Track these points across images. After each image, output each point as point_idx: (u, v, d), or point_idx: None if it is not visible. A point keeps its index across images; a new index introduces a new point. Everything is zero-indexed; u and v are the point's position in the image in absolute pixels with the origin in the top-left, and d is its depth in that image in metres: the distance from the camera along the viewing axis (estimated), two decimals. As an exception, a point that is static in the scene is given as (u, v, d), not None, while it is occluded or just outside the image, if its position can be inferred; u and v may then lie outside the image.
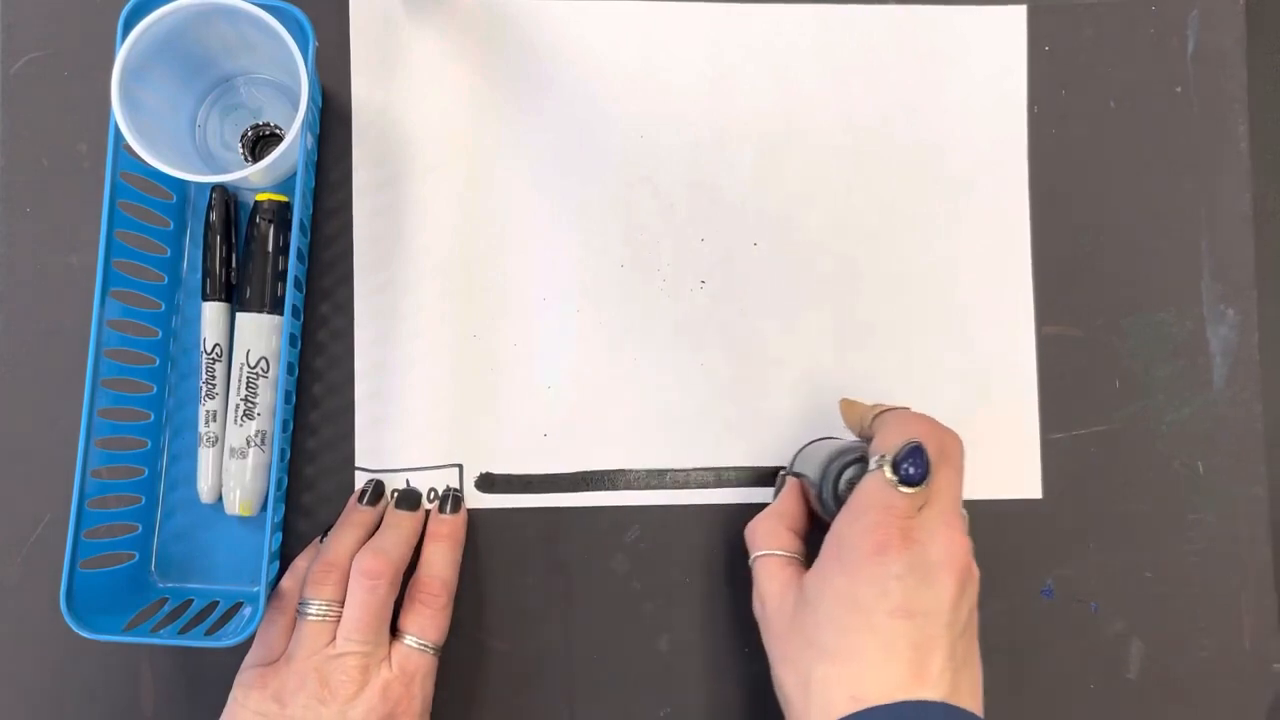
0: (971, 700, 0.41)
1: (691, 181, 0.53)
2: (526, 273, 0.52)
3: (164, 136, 0.47)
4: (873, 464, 0.42)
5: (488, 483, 0.52)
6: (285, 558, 0.51)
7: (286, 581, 0.49)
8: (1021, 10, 0.54)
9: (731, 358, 0.53)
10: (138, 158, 0.45)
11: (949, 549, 0.41)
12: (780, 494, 0.48)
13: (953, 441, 0.43)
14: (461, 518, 0.51)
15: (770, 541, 0.46)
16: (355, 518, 0.50)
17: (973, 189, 0.54)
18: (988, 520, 0.53)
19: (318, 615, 0.47)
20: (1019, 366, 0.53)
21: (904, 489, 0.41)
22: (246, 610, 0.49)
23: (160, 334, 0.51)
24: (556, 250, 0.52)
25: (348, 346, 0.52)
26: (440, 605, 0.49)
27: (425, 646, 0.48)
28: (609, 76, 0.53)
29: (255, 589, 0.50)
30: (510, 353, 0.52)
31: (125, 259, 0.48)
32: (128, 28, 0.45)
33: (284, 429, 0.49)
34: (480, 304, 0.52)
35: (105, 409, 0.47)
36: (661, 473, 0.52)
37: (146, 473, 0.50)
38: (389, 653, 0.47)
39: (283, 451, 0.49)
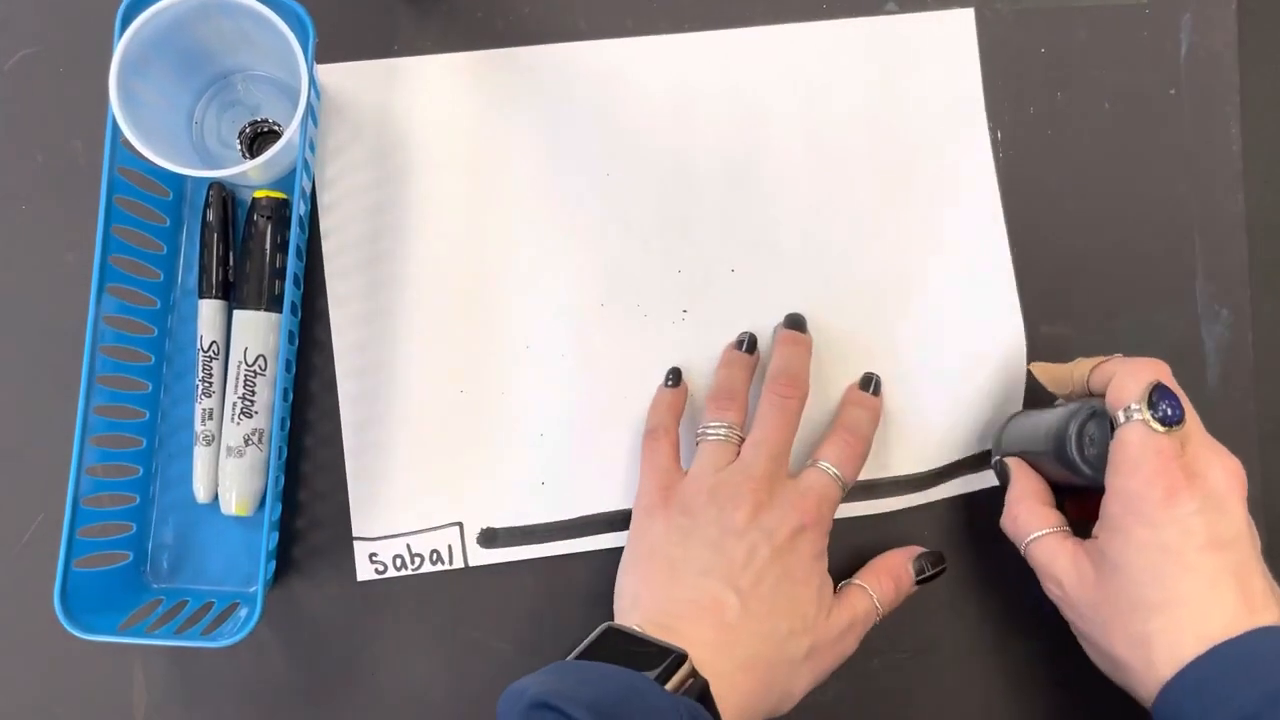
0: None
1: (662, 214, 0.53)
2: (507, 322, 0.52)
3: (161, 133, 0.47)
4: (1122, 416, 0.42)
5: (489, 537, 0.51)
6: (282, 557, 0.51)
7: (657, 419, 0.51)
8: (969, 13, 0.54)
9: None
10: (135, 153, 0.45)
11: (1227, 473, 0.42)
12: (1015, 477, 0.48)
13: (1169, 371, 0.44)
14: (880, 399, 0.52)
15: (1038, 522, 0.46)
16: (736, 358, 0.51)
17: (941, 193, 0.54)
18: (986, 520, 0.53)
19: (723, 436, 0.49)
20: (1007, 365, 0.53)
21: (1166, 429, 0.41)
22: (243, 611, 0.48)
23: (156, 332, 0.50)
24: (535, 297, 0.52)
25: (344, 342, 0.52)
26: (859, 449, 0.49)
27: (837, 476, 0.48)
28: (572, 119, 0.53)
29: (251, 589, 0.49)
30: (499, 404, 0.52)
31: (122, 254, 0.48)
32: (126, 21, 0.45)
33: (282, 427, 0.48)
34: (464, 359, 0.52)
35: (101, 406, 0.47)
36: None
37: (141, 472, 0.50)
38: (798, 472, 0.48)
39: (280, 450, 0.48)
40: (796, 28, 0.54)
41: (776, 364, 0.50)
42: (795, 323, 0.52)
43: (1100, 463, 0.44)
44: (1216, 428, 0.53)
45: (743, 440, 0.49)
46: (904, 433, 0.53)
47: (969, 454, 0.53)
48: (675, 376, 0.52)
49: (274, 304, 0.49)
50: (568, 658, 0.41)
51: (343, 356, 0.51)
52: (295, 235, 0.48)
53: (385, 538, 0.51)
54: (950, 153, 0.54)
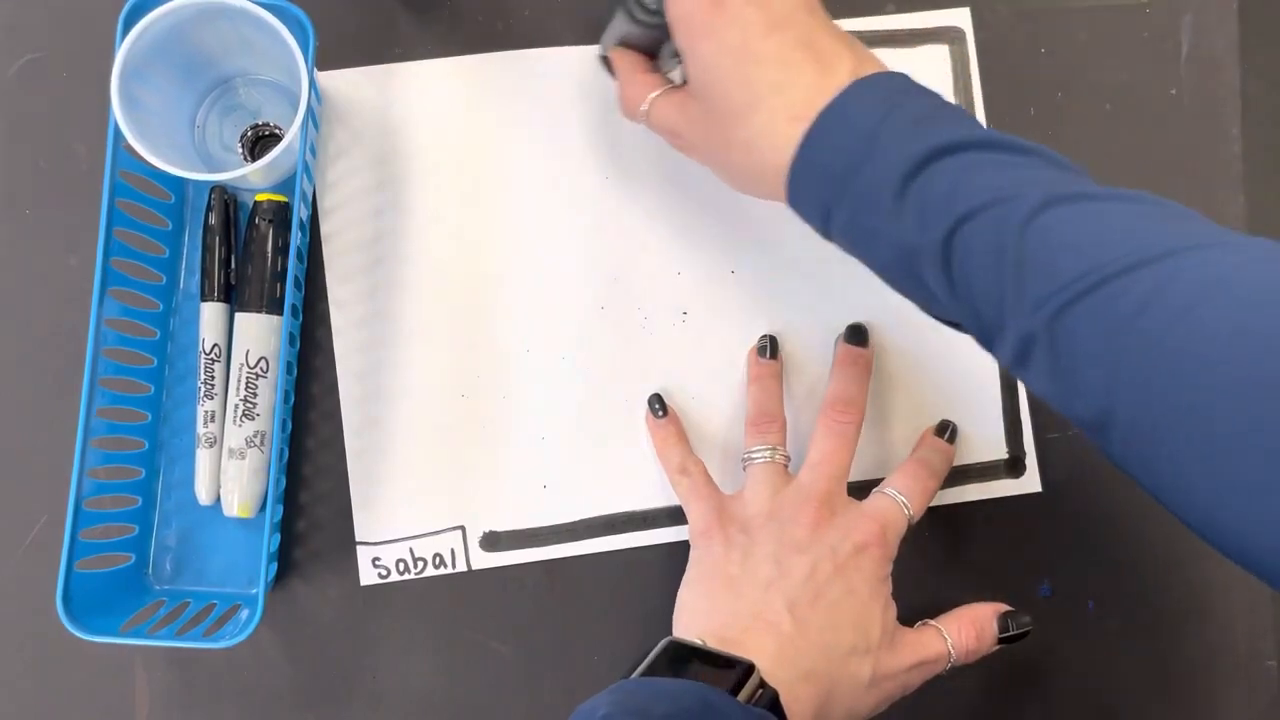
0: (873, 63, 0.41)
1: (661, 216, 0.53)
2: (508, 325, 0.52)
3: (163, 137, 0.47)
4: None
5: (492, 541, 0.51)
6: (283, 559, 0.51)
7: (675, 455, 0.50)
8: (965, 13, 0.54)
9: (722, 385, 0.53)
10: (137, 156, 0.45)
11: None
12: (617, 63, 0.48)
13: None
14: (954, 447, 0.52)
15: (645, 90, 0.47)
16: (765, 371, 0.51)
17: None
18: (986, 522, 0.53)
19: (769, 458, 0.49)
20: (1000, 368, 0.53)
21: None
22: (244, 613, 0.48)
23: (158, 334, 0.51)
24: (536, 300, 0.52)
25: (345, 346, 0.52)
26: (931, 485, 0.49)
27: (905, 504, 0.48)
28: (571, 121, 0.53)
29: (253, 591, 0.49)
30: (500, 408, 0.52)
31: (124, 258, 0.48)
32: (127, 26, 0.45)
33: (283, 429, 0.49)
34: (464, 363, 0.52)
35: (103, 409, 0.47)
36: (666, 510, 0.52)
37: (144, 474, 0.50)
38: (863, 498, 0.48)
39: (281, 452, 0.48)
40: None
41: (834, 387, 0.50)
42: (858, 335, 0.51)
43: (659, 2, 0.44)
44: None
45: (788, 458, 0.50)
46: (906, 433, 0.53)
47: (974, 461, 0.53)
48: (661, 405, 0.51)
49: (275, 307, 0.49)
50: (631, 675, 0.41)
51: (344, 359, 0.52)
52: (296, 238, 0.48)
53: (388, 542, 0.51)
54: None
